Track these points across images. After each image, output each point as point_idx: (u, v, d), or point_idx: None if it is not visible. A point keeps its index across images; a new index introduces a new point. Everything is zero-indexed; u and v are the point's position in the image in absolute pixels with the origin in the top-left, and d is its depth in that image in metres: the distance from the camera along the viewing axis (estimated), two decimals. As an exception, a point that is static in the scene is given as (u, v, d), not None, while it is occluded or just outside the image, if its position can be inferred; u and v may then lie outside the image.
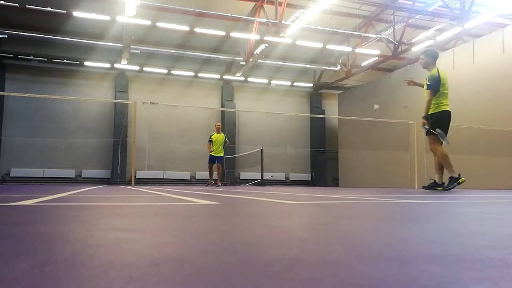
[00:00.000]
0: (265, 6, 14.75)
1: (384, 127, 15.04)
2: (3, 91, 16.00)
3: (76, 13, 13.94)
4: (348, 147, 18.20)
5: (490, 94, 11.42)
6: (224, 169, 12.58)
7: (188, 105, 18.26)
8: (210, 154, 12.20)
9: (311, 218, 1.69)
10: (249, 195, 4.07)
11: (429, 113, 6.92)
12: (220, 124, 12.68)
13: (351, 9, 15.44)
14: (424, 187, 6.80)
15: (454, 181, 6.47)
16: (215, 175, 12.46)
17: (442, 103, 6.88)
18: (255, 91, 20.52)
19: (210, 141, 12.15)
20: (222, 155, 12.40)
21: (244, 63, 17.43)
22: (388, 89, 16.16)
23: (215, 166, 12.33)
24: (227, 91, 19.91)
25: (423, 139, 12.64)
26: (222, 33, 15.57)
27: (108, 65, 17.94)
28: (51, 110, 17.30)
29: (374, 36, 16.11)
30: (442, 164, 6.67)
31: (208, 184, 12.39)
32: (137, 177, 16.70)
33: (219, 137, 12.19)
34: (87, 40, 16.34)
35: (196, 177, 19.00)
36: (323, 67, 19.78)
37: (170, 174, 18.51)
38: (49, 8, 14.45)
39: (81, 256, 0.70)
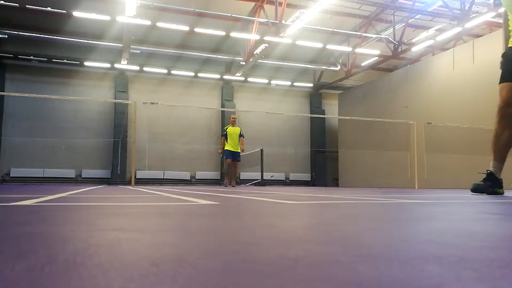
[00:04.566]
0: (265, 6, 14.75)
1: (384, 127, 15.05)
2: (3, 91, 16.00)
3: (76, 13, 13.94)
4: (348, 147, 18.21)
5: (490, 94, 11.40)
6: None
7: (188, 105, 18.26)
8: (226, 149, 10.74)
9: (311, 218, 1.69)
10: (249, 195, 4.07)
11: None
12: (235, 116, 11.16)
13: (351, 9, 15.44)
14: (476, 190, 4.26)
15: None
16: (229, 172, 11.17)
17: None
18: (255, 91, 20.51)
19: (225, 135, 10.84)
20: (239, 151, 10.99)
21: (244, 63, 17.43)
22: (388, 89, 16.17)
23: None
24: (227, 91, 19.90)
25: (423, 139, 12.69)
26: (222, 33, 15.58)
27: (108, 65, 17.93)
28: (51, 110, 17.29)
29: (374, 36, 16.11)
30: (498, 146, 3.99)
31: (227, 184, 11.05)
32: (137, 177, 16.70)
33: (236, 130, 10.88)
34: (87, 40, 16.33)
35: (196, 177, 19.00)
36: (323, 67, 19.78)
37: (170, 174, 18.50)
38: (49, 8, 14.45)
39: (81, 256, 0.70)
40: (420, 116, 12.97)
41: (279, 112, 19.23)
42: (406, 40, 16.08)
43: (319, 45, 16.72)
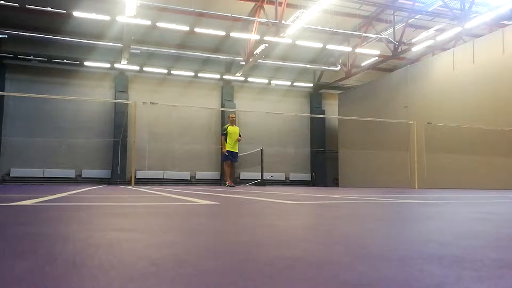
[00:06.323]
0: (265, 6, 14.75)
1: (384, 127, 15.05)
2: (3, 91, 15.98)
3: (76, 13, 13.94)
4: (348, 147, 18.21)
5: (490, 94, 11.42)
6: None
7: (188, 105, 18.25)
8: (227, 150, 10.50)
9: (311, 218, 1.69)
10: (249, 195, 4.08)
11: None
12: (234, 115, 10.92)
13: (351, 9, 15.43)
14: None
15: None
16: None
17: None
18: (255, 91, 20.51)
19: (225, 134, 10.56)
20: (237, 151, 10.79)
21: (244, 63, 17.42)
22: (388, 89, 16.17)
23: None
24: (227, 91, 19.90)
25: (423, 139, 12.69)
26: (222, 33, 15.57)
27: (108, 65, 17.93)
28: (51, 110, 17.29)
29: (374, 36, 16.11)
30: None
31: (230, 184, 10.61)
32: (137, 177, 16.69)
33: (236, 130, 10.65)
34: (87, 40, 16.32)
35: (196, 177, 19.00)
36: (323, 67, 19.78)
37: (170, 174, 18.50)
38: (49, 8, 14.44)
39: (81, 256, 0.70)
40: (420, 116, 12.97)
41: (279, 112, 19.22)
42: (406, 40, 16.07)
43: (319, 45, 16.71)
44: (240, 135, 10.84)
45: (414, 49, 16.03)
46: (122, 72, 18.37)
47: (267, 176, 16.65)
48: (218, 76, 19.44)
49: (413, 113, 13.78)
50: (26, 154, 16.84)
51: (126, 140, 17.28)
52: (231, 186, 10.55)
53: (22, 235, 0.99)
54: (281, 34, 14.63)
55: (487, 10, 13.72)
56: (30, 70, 17.33)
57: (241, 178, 19.01)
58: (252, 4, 15.29)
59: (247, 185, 14.64)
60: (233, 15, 14.39)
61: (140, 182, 17.15)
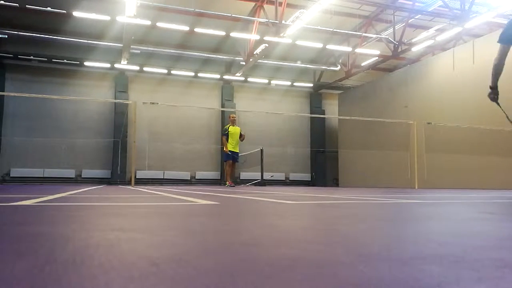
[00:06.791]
0: (265, 6, 14.74)
1: (384, 127, 15.04)
2: (3, 91, 15.98)
3: (76, 13, 13.94)
4: (348, 147, 18.21)
5: (490, 94, 11.40)
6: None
7: (188, 105, 18.24)
8: (228, 150, 10.57)
9: (311, 218, 1.69)
10: (249, 195, 4.08)
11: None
12: (235, 115, 10.96)
13: (351, 9, 15.43)
14: None
15: None
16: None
17: None
18: (255, 91, 20.51)
19: (226, 134, 10.61)
20: (238, 151, 10.91)
21: (244, 63, 17.42)
22: (388, 89, 16.17)
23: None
24: (227, 91, 19.90)
25: (423, 139, 12.68)
26: (222, 33, 15.57)
27: (108, 65, 17.93)
28: (51, 110, 17.28)
29: (374, 36, 16.10)
30: None
31: (230, 184, 10.60)
32: (137, 177, 16.67)
33: (236, 130, 10.73)
34: (87, 40, 16.32)
35: (196, 177, 19.00)
36: (323, 67, 19.78)
37: (170, 174, 18.50)
38: (49, 8, 14.44)
39: (81, 256, 0.70)
40: (420, 116, 12.96)
41: (279, 112, 19.21)
42: (406, 40, 16.06)
43: (319, 45, 16.71)
44: (241, 135, 10.89)
45: (414, 49, 16.03)
46: (122, 72, 18.38)
47: (267, 176, 16.64)
48: (218, 76, 19.44)
49: (413, 113, 13.77)
50: (26, 154, 16.84)
51: (126, 140, 17.27)
52: (231, 186, 10.55)
53: (22, 235, 0.99)
54: (281, 34, 14.62)
55: (487, 10, 13.71)
56: (30, 70, 17.33)
57: (241, 178, 19.00)
58: (252, 4, 15.28)
59: (247, 185, 14.64)
60: (233, 15, 14.39)
61: (140, 182, 17.15)
